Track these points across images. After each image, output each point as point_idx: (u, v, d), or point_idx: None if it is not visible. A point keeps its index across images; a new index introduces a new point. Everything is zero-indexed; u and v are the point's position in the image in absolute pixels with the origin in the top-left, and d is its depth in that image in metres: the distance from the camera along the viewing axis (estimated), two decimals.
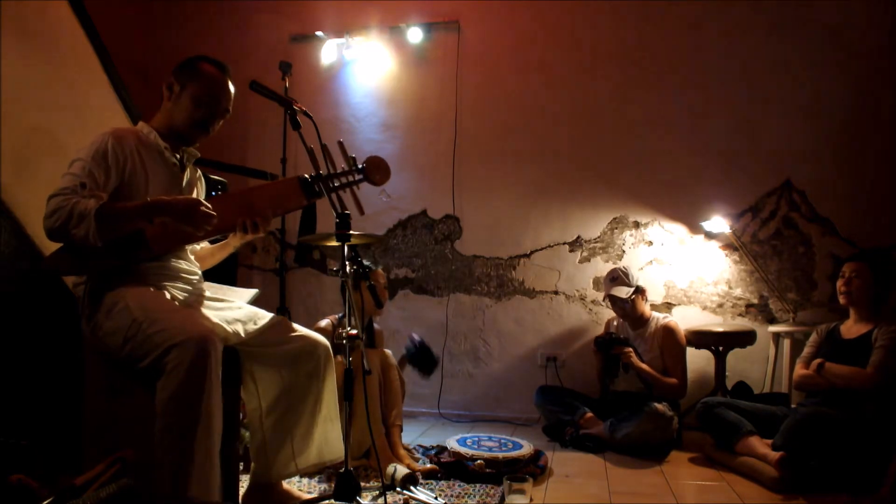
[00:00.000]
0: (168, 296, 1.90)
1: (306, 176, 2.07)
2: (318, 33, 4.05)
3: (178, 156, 2.03)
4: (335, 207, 2.07)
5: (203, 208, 1.79)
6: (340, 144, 2.18)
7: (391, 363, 2.81)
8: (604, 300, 3.49)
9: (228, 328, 1.94)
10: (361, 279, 2.69)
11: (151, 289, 1.87)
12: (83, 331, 1.89)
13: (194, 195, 2.11)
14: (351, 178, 2.18)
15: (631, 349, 3.13)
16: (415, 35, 3.89)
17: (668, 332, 3.17)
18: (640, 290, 3.24)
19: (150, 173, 1.92)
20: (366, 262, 2.92)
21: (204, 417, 1.67)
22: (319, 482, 2.43)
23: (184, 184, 2.05)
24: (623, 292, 3.18)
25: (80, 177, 1.77)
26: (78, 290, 1.91)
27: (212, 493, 1.70)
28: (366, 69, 4.03)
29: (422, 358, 3.00)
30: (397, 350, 3.26)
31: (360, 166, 2.17)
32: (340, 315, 3.00)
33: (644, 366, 3.11)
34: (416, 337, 3.05)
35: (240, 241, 2.13)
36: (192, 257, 2.09)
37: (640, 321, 3.26)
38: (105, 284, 1.84)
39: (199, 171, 2.19)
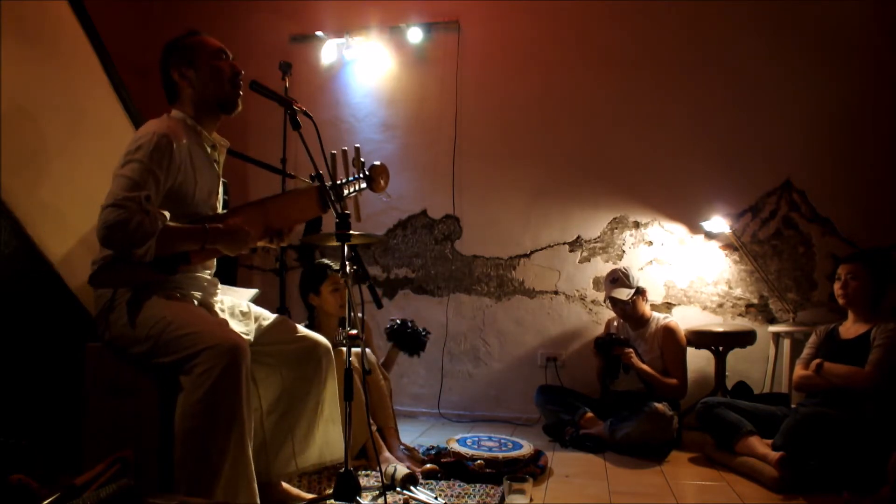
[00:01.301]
0: (194, 304, 1.92)
1: (322, 185, 2.09)
2: (318, 33, 4.05)
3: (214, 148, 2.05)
4: (335, 209, 2.09)
5: (252, 238, 1.86)
6: (357, 150, 2.22)
7: (372, 362, 2.79)
8: (605, 301, 3.49)
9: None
10: (321, 281, 2.72)
11: (179, 295, 1.89)
12: (100, 322, 1.89)
13: (219, 184, 2.13)
14: (357, 187, 2.24)
15: (631, 350, 3.13)
16: (415, 35, 3.89)
17: (668, 332, 3.17)
18: (640, 291, 3.25)
19: (198, 174, 1.93)
20: (326, 262, 2.91)
21: (237, 424, 1.68)
22: (319, 482, 2.43)
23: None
24: (624, 294, 3.18)
25: (141, 185, 1.72)
26: (104, 288, 1.91)
27: (245, 497, 1.70)
28: (366, 69, 4.03)
29: (402, 338, 2.96)
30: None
31: (365, 173, 2.23)
32: (305, 324, 2.98)
33: (644, 366, 3.11)
34: (397, 319, 3.02)
35: (262, 244, 2.16)
36: (214, 261, 2.10)
37: (641, 321, 3.26)
38: (138, 287, 1.85)
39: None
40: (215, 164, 2.04)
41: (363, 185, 2.27)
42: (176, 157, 1.82)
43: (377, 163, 2.29)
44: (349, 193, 2.23)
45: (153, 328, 1.76)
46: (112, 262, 1.80)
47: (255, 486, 1.74)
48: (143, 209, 1.70)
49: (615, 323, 3.38)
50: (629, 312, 3.23)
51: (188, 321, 1.75)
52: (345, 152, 2.23)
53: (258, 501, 1.74)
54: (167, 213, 1.79)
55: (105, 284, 1.85)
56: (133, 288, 1.85)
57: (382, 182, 2.30)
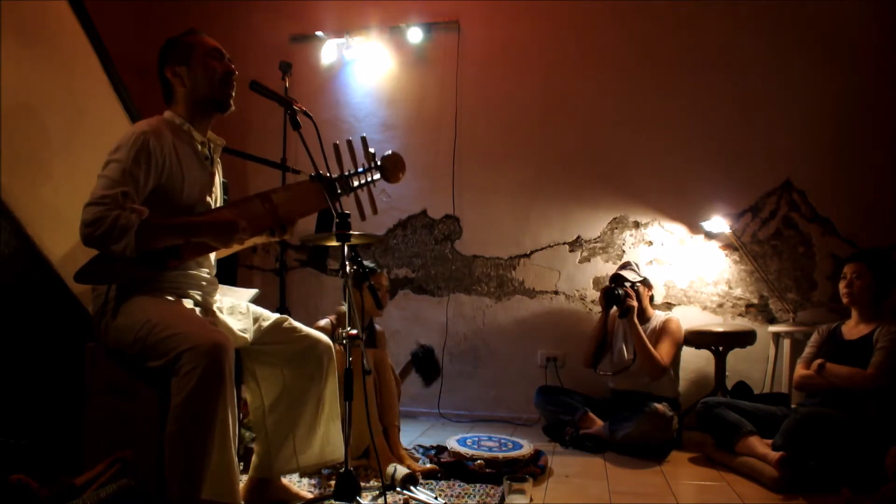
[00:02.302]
0: (190, 304, 1.91)
1: (329, 177, 2.08)
2: (318, 33, 4.05)
3: (208, 146, 2.04)
4: (333, 209, 2.08)
5: (241, 232, 1.82)
6: (364, 140, 2.21)
7: (386, 362, 2.80)
8: (611, 282, 3.43)
9: (237, 336, 1.96)
10: (363, 280, 2.71)
11: (170, 297, 1.88)
12: (97, 325, 1.89)
13: (216, 183, 2.12)
14: (369, 177, 2.21)
15: (636, 303, 3.16)
16: (415, 35, 3.89)
17: (666, 323, 3.20)
18: (647, 283, 3.29)
19: (185, 171, 1.92)
20: (369, 264, 2.95)
21: (219, 423, 1.68)
22: (318, 482, 2.43)
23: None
24: (631, 275, 3.23)
25: (120, 183, 1.74)
26: (98, 288, 1.91)
27: (228, 495, 1.71)
28: (366, 69, 4.03)
29: (426, 365, 3.03)
30: (398, 350, 3.26)
31: (377, 163, 2.20)
32: (336, 316, 3.01)
33: (639, 327, 3.12)
34: (425, 344, 3.07)
35: (263, 240, 2.15)
36: (213, 261, 2.10)
37: (643, 317, 3.25)
38: (128, 286, 1.85)
39: (219, 159, 2.18)
40: (207, 163, 2.03)
41: (376, 175, 2.24)
42: (157, 154, 1.82)
43: (389, 152, 2.26)
44: (360, 185, 2.21)
45: (140, 331, 1.76)
46: (98, 259, 1.79)
47: (239, 484, 1.76)
48: (119, 205, 1.70)
49: (618, 319, 3.36)
50: None
51: (171, 322, 1.75)
52: (350, 143, 2.20)
53: (240, 500, 1.75)
54: (152, 210, 1.78)
55: (91, 281, 1.85)
56: (123, 289, 1.84)
57: (400, 174, 2.26)
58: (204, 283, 2.02)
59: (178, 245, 1.82)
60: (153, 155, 1.82)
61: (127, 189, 1.74)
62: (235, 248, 2.21)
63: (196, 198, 1.97)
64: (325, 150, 2.09)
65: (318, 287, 4.03)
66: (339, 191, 2.10)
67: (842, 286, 2.81)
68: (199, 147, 2.00)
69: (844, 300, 2.80)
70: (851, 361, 2.66)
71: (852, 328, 2.80)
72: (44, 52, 2.45)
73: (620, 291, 3.18)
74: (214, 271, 2.10)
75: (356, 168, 2.21)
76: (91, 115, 2.58)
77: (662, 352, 3.12)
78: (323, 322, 2.88)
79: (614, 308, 3.28)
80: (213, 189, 2.08)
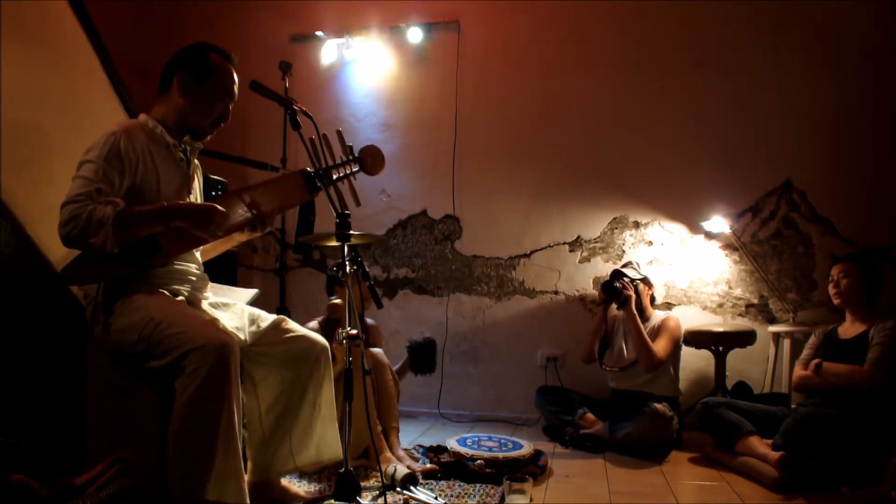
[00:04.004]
0: (182, 300, 1.91)
1: (308, 170, 2.08)
2: (318, 33, 4.05)
3: (183, 148, 2.03)
4: (335, 207, 2.08)
5: (219, 215, 1.80)
6: (339, 134, 2.21)
7: (383, 363, 2.79)
8: (611, 277, 3.42)
9: (235, 335, 1.96)
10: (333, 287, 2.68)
11: (167, 293, 1.88)
12: (93, 328, 1.89)
13: (195, 186, 2.12)
14: (348, 169, 2.22)
15: (633, 294, 3.19)
16: (415, 35, 3.89)
17: (665, 320, 3.21)
18: (647, 281, 3.30)
19: (161, 172, 1.92)
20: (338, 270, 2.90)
21: (224, 423, 1.67)
22: (318, 482, 2.43)
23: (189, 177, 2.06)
24: (632, 273, 3.25)
25: (95, 181, 1.74)
26: (90, 290, 1.91)
27: (234, 495, 1.70)
28: (366, 69, 4.03)
29: (420, 357, 3.01)
30: (398, 351, 3.26)
31: (356, 156, 2.21)
32: (326, 316, 2.98)
33: (637, 318, 3.13)
34: (429, 337, 3.06)
35: (246, 237, 2.14)
36: (199, 257, 2.09)
37: (643, 316, 3.25)
38: (120, 286, 1.85)
39: (197, 161, 2.18)
40: (183, 164, 2.03)
41: (355, 167, 2.25)
42: (129, 153, 1.83)
43: (368, 145, 2.28)
44: (340, 177, 2.20)
45: (144, 329, 1.75)
46: (82, 257, 1.79)
47: (245, 485, 1.75)
48: (94, 200, 1.70)
49: (618, 316, 3.36)
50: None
51: (175, 320, 1.75)
52: (325, 137, 2.16)
53: (247, 500, 1.75)
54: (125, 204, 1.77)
55: (77, 280, 1.85)
56: (111, 290, 1.84)
57: (379, 166, 2.27)
58: (193, 278, 2.01)
59: (158, 242, 1.80)
60: (125, 154, 1.82)
61: (101, 186, 1.74)
62: (220, 246, 2.20)
63: (173, 198, 1.96)
64: (324, 149, 2.09)
65: (318, 287, 4.03)
66: (318, 184, 2.09)
67: (830, 288, 2.84)
68: (173, 149, 2.00)
69: (835, 301, 2.82)
70: (848, 360, 2.66)
71: (848, 328, 2.81)
72: (44, 53, 2.45)
73: (618, 284, 3.20)
74: (202, 268, 2.10)
75: (334, 161, 2.20)
76: (91, 115, 2.58)
77: (659, 347, 3.12)
78: (312, 324, 2.86)
79: (613, 305, 3.28)
80: (192, 190, 2.08)
